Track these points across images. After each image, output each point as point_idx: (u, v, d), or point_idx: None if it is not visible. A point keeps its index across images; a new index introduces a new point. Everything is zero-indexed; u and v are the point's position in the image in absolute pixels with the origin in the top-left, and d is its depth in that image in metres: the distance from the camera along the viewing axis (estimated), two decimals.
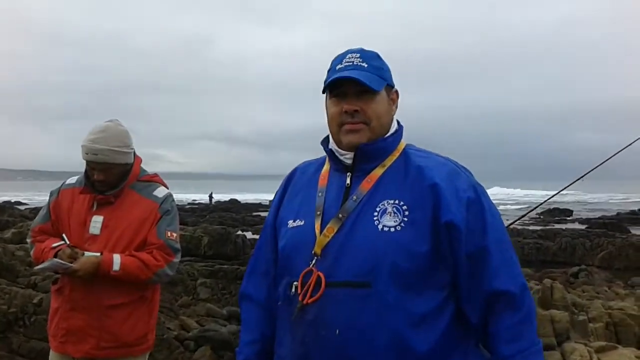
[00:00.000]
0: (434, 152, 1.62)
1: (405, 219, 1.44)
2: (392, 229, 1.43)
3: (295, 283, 1.49)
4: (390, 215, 1.45)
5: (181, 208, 40.60)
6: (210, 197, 46.49)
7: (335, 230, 1.49)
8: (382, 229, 1.44)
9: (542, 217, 37.27)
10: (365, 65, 1.54)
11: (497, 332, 1.43)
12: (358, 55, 1.56)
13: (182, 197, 58.08)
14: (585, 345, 4.54)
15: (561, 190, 3.70)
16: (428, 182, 1.47)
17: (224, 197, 49.55)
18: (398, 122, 1.64)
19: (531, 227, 27.50)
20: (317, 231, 1.51)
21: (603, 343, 4.87)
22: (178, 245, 2.57)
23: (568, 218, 38.45)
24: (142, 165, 2.67)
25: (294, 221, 1.59)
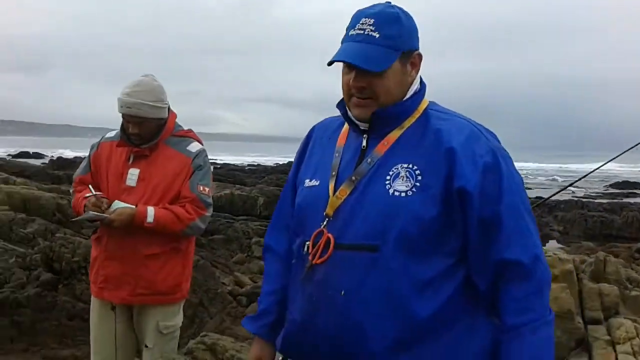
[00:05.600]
0: (456, 113, 1.55)
1: (418, 184, 1.41)
2: (403, 194, 1.41)
3: (307, 242, 1.51)
4: (402, 179, 1.43)
5: (241, 169, 41.47)
6: None
7: (347, 193, 1.48)
8: (393, 193, 1.42)
9: (609, 190, 35.77)
10: (377, 36, 1.44)
11: (505, 302, 1.40)
12: (372, 21, 1.45)
13: (242, 159, 59.04)
14: (634, 321, 4.37)
15: (611, 160, 3.53)
16: (444, 147, 1.43)
17: (283, 159, 50.02)
18: (421, 81, 1.57)
19: (597, 200, 26.47)
20: (331, 192, 1.51)
21: None
22: (210, 200, 2.64)
23: (638, 192, 36.68)
24: (200, 130, 2.73)
25: (310, 180, 1.59)
